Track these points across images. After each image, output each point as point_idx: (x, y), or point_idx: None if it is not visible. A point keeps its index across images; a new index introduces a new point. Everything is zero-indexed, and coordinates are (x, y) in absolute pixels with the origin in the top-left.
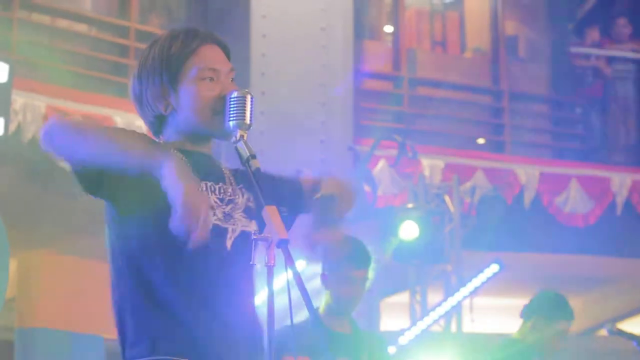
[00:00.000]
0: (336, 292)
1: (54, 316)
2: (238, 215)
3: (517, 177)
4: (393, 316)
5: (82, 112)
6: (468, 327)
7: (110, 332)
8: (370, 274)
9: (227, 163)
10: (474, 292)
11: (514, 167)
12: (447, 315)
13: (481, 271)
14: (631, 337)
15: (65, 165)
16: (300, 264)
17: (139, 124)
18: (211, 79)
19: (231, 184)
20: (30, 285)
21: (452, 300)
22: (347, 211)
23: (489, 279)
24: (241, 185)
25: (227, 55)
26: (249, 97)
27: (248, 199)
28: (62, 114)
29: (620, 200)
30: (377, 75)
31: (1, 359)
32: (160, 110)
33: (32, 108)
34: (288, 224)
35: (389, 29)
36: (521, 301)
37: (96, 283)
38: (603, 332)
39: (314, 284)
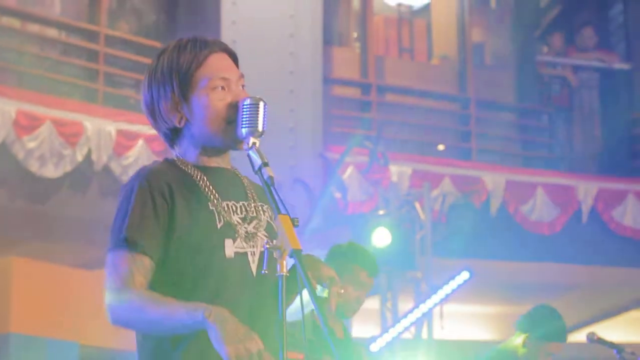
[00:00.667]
0: (344, 296)
1: (29, 322)
2: (261, 234)
3: (484, 184)
4: (364, 323)
5: (52, 117)
6: (439, 334)
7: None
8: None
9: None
10: (445, 299)
11: (480, 174)
12: (418, 322)
13: (452, 278)
14: (611, 345)
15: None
16: None
17: (109, 130)
18: (222, 88)
19: (253, 200)
20: (4, 291)
21: (423, 307)
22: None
23: (459, 286)
24: (262, 204)
25: (235, 62)
26: (261, 103)
27: (270, 217)
28: (32, 118)
29: (585, 208)
30: (345, 82)
31: None
32: (174, 123)
33: (1, 112)
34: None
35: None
36: (489, 308)
37: (71, 289)
38: (582, 339)
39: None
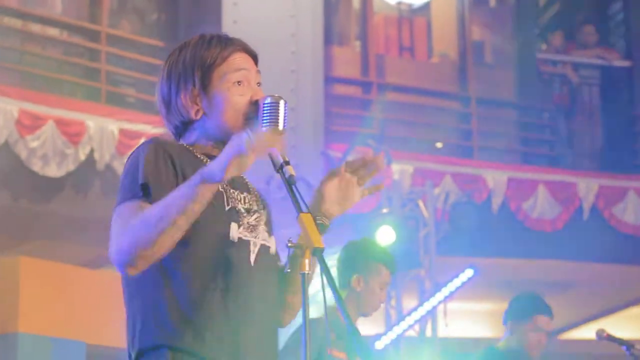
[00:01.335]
0: (370, 296)
1: (35, 321)
2: (262, 227)
3: (485, 182)
4: (368, 320)
5: (54, 116)
6: (443, 331)
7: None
8: None
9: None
10: (449, 297)
11: (481, 172)
12: (422, 320)
13: (456, 276)
14: (621, 342)
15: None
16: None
17: (111, 129)
18: (243, 85)
19: (255, 195)
20: (13, 291)
21: (427, 305)
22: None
23: (463, 283)
24: (262, 199)
25: (256, 63)
26: (282, 102)
27: (269, 213)
28: (34, 118)
29: (587, 206)
30: (346, 81)
31: None
32: (190, 116)
33: (4, 112)
34: None
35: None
36: (493, 306)
37: (78, 288)
38: (591, 336)
39: None
